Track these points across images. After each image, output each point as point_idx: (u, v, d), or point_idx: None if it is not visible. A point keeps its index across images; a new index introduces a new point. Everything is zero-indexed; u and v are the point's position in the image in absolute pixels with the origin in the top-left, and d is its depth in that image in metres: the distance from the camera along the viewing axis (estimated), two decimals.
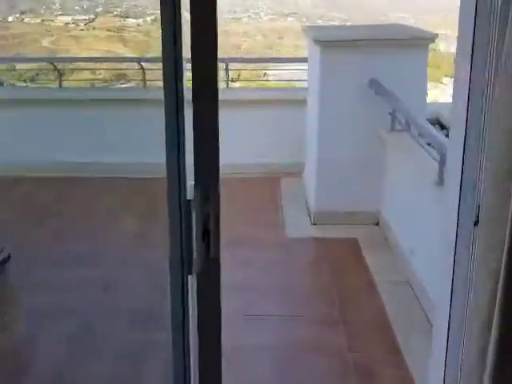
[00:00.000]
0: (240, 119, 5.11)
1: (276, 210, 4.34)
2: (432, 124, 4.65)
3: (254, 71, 8.84)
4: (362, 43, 3.86)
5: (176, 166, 1.10)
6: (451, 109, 1.36)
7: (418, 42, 3.85)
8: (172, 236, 1.10)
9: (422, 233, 3.21)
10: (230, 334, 1.27)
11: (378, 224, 4.14)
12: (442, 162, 2.82)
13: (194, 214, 1.06)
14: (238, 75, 6.86)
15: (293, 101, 5.01)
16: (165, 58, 1.06)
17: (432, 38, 3.82)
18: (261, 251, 3.65)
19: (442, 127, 4.61)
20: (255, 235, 3.85)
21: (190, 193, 1.08)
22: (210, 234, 1.04)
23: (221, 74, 6.29)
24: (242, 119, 5.12)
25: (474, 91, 1.15)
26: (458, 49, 1.25)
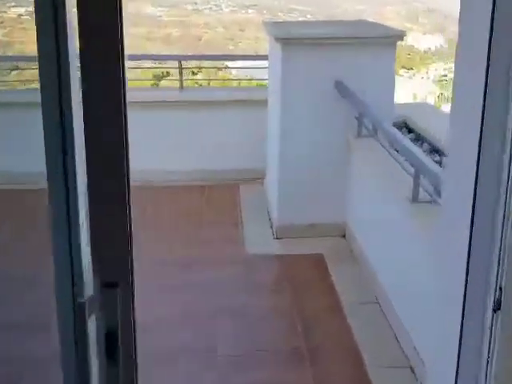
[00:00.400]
0: (195, 122, 4.76)
1: (235, 223, 4.01)
2: (399, 128, 4.40)
3: (213, 69, 8.46)
4: (327, 41, 3.55)
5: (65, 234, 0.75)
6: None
7: (385, 40, 3.58)
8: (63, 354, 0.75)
9: (392, 249, 2.96)
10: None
11: (344, 236, 3.87)
12: (417, 178, 2.55)
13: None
14: (194, 73, 6.48)
15: (253, 101, 4.68)
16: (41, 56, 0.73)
17: (400, 35, 3.55)
18: (217, 271, 3.31)
19: (410, 131, 4.37)
20: (211, 253, 3.51)
21: (88, 287, 0.73)
22: (117, 352, 0.70)
23: (173, 72, 5.90)
24: (197, 121, 4.76)
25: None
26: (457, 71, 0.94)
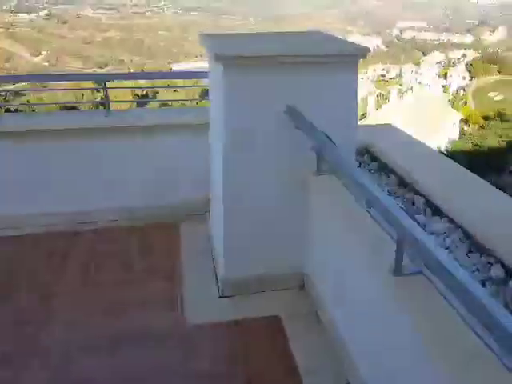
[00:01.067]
0: (123, 150, 4.06)
1: (172, 277, 3.33)
2: (361, 155, 3.87)
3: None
4: (278, 60, 2.94)
5: None
6: None
7: (346, 58, 3.01)
8: None
9: (362, 316, 2.39)
10: None
11: (303, 287, 3.28)
12: (400, 247, 1.97)
13: None
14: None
15: (193, 124, 4.03)
16: None
17: (363, 53, 2.98)
18: (145, 354, 2.62)
19: (373, 158, 3.84)
20: (138, 326, 2.82)
21: None
22: None
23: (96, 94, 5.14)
24: (126, 150, 4.06)
25: None
26: None
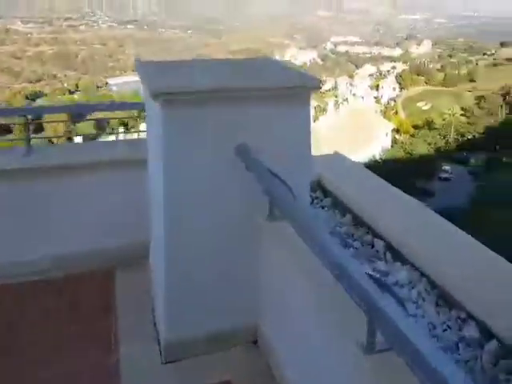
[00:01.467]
0: (49, 191, 3.61)
1: (106, 341, 2.91)
2: (313, 190, 3.63)
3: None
4: (223, 95, 2.63)
5: None
6: None
7: (298, 90, 2.75)
8: None
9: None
10: None
11: (256, 342, 2.97)
12: (371, 323, 1.70)
13: None
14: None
15: (127, 161, 3.66)
16: None
17: (317, 86, 2.73)
18: None
19: (326, 193, 3.61)
20: None
21: None
22: None
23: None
24: (52, 191, 3.62)
25: None
26: None
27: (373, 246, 2.88)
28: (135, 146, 3.89)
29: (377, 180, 3.72)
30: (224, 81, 2.75)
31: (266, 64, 3.32)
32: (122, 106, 4.10)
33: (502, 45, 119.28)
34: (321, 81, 2.77)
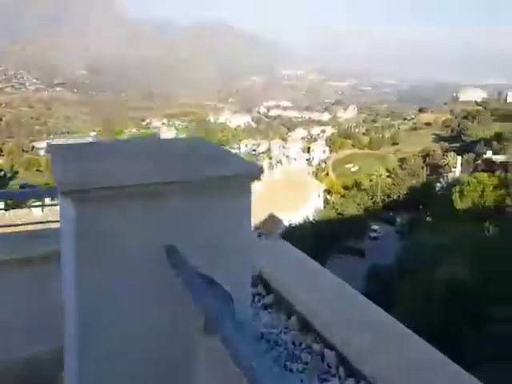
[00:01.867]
0: None
1: None
2: (254, 285, 3.29)
3: None
4: (150, 189, 2.28)
5: None
6: None
7: (238, 180, 2.44)
8: None
9: None
10: None
11: None
12: None
13: None
14: None
15: (33, 259, 3.16)
16: None
17: (257, 174, 2.43)
18: None
19: (268, 289, 3.27)
20: None
21: None
22: None
23: None
24: None
25: None
26: None
27: (323, 359, 2.54)
28: (39, 240, 3.37)
29: (318, 269, 3.47)
30: (150, 174, 2.40)
31: (200, 148, 3.01)
32: (34, 193, 3.63)
33: (420, 110, 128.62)
34: (262, 167, 2.49)
